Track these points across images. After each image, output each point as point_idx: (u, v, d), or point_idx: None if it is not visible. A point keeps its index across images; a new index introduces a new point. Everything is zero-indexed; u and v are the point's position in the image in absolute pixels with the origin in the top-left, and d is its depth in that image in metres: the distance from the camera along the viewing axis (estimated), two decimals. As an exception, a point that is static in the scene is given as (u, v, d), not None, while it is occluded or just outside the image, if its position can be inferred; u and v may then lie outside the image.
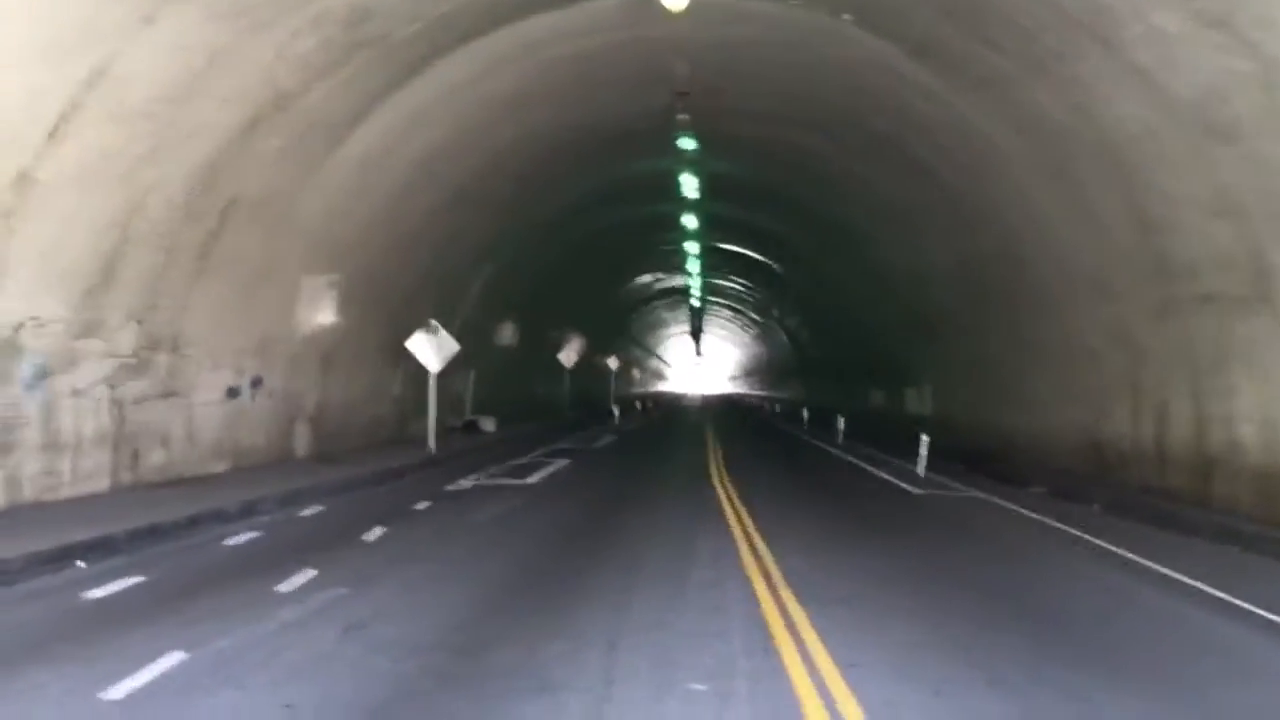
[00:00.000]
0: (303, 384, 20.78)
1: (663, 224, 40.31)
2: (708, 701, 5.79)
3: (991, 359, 24.67)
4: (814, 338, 52.38)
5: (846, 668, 6.53)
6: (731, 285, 60.67)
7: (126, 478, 14.73)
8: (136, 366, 14.79)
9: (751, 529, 12.63)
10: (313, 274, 19.97)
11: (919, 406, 32.38)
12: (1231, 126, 12.17)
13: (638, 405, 58.04)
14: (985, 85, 17.17)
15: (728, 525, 12.89)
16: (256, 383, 18.64)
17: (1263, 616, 8.58)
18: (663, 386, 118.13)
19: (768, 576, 9.54)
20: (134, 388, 14.80)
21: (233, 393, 17.72)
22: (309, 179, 17.90)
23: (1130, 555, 11.77)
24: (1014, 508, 16.26)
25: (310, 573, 9.37)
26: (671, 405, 72.39)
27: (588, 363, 56.24)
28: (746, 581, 9.25)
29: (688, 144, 28.96)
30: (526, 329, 39.70)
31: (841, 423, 33.47)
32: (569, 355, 43.50)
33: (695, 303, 66.74)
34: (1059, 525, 14.28)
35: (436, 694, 5.86)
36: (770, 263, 45.10)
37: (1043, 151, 17.30)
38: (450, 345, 24.21)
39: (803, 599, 8.57)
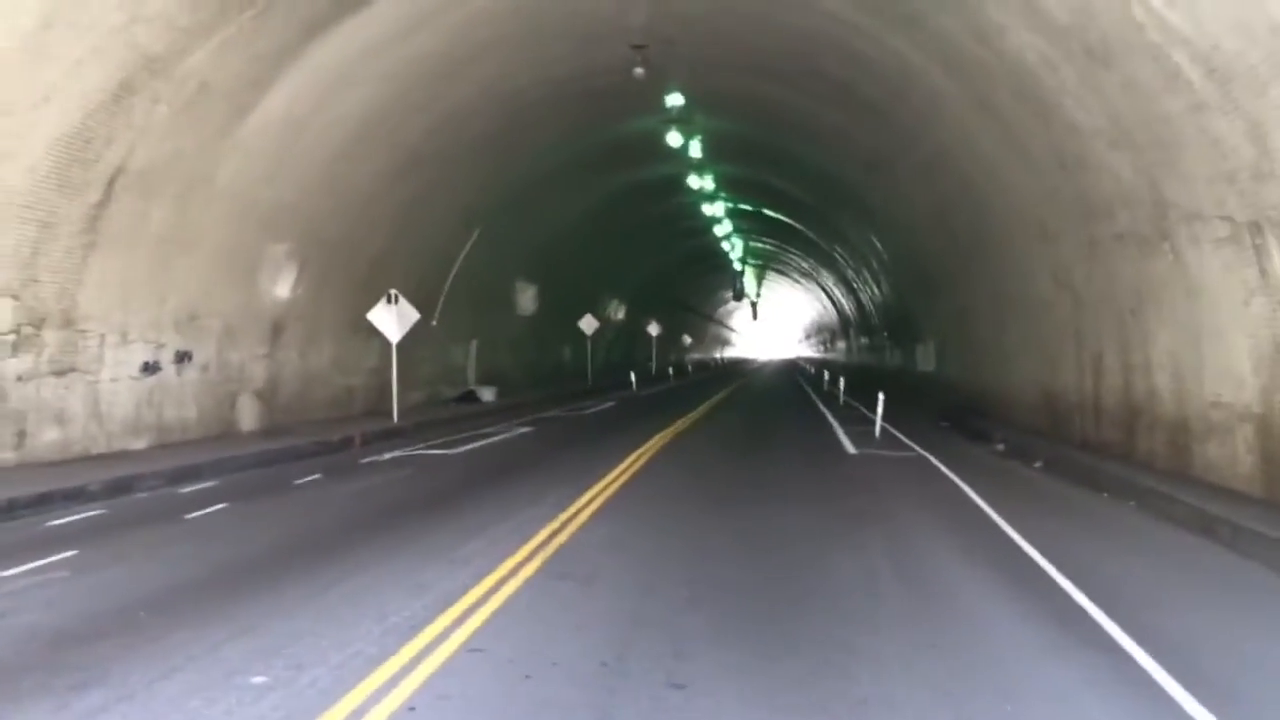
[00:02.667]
0: (244, 356, 20.49)
1: (674, 187, 39.37)
2: (241, 697, 5.18)
3: (973, 311, 23.54)
4: (847, 296, 51.10)
5: (465, 653, 5.92)
6: (768, 247, 59.43)
7: (9, 457, 14.51)
8: (17, 343, 14.55)
9: (602, 500, 11.98)
10: (244, 244, 19.62)
11: (925, 363, 31.26)
12: (1105, 49, 11.06)
13: (669, 371, 57.16)
14: (908, 23, 16.10)
15: (580, 497, 12.15)
16: (183, 357, 18.38)
17: (1063, 599, 7.72)
18: (728, 352, 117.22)
19: (542, 549, 8.91)
20: (15, 365, 14.55)
21: (150, 368, 17.46)
22: (221, 145, 17.47)
23: (1000, 521, 10.87)
24: (943, 469, 15.33)
25: (65, 554, 8.97)
26: (716, 370, 71.41)
27: (629, 329, 55.72)
28: (506, 555, 8.61)
29: (675, 100, 28.15)
30: (548, 296, 39.17)
31: (842, 383, 32.47)
32: (589, 322, 42.84)
33: (737, 266, 65.51)
34: (964, 487, 13.37)
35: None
36: (792, 222, 43.89)
37: (970, 88, 16.19)
38: (410, 315, 23.82)
39: (542, 573, 7.97)
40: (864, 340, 50.02)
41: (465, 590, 7.37)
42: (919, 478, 14.49)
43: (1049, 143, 14.43)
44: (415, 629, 6.38)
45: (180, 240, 17.55)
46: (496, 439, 20.83)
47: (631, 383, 42.43)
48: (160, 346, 17.73)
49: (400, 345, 24.51)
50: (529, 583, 7.70)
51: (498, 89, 23.07)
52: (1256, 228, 9.80)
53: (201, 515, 11.29)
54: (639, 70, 23.40)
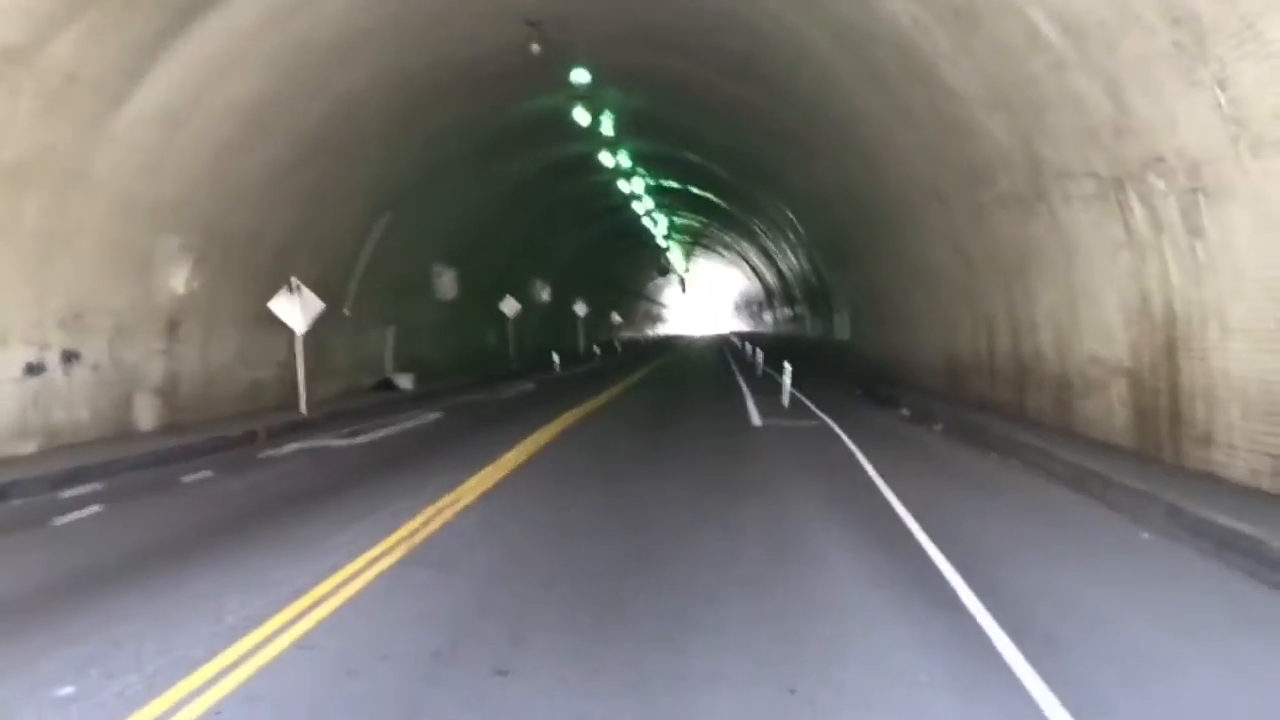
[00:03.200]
0: (140, 354, 19.89)
1: (589, 165, 39.09)
2: (41, 710, 4.96)
3: (881, 279, 23.64)
4: (769, 269, 51.25)
5: (295, 650, 5.77)
6: (691, 223, 59.36)
7: (-121, 468, 13.97)
8: (-120, 350, 13.98)
9: (488, 485, 11.82)
10: (132, 239, 19.02)
11: (842, 333, 31.41)
12: (971, 9, 11.04)
13: (595, 350, 56.87)
14: (796, -12, 16.01)
15: (467, 482, 11.94)
16: (70, 357, 17.79)
17: (922, 560, 7.70)
18: (660, 329, 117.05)
19: (410, 537, 8.75)
20: (-120, 373, 14.00)
21: (34, 369, 16.86)
22: (96, 137, 16.85)
23: (882, 485, 10.87)
24: (842, 437, 15.37)
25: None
26: (645, 347, 71.20)
27: (556, 310, 55.29)
28: (370, 545, 8.41)
29: (580, 77, 27.92)
30: (468, 281, 38.56)
31: (759, 355, 32.55)
32: (510, 305, 42.47)
33: (661, 243, 65.32)
34: (858, 454, 13.38)
35: None
36: (711, 196, 43.84)
37: (857, 57, 16.14)
38: (315, 304, 23.34)
39: (403, 562, 7.85)
40: (787, 312, 50.22)
41: (316, 584, 7.15)
42: (816, 446, 14.50)
43: (931, 108, 14.44)
44: (249, 628, 6.17)
45: (59, 236, 16.96)
46: (403, 427, 20.54)
47: (554, 364, 42.13)
48: (45, 347, 17.13)
49: (313, 335, 24.07)
50: (386, 573, 7.51)
51: (389, 74, 22.65)
52: (1119, 183, 9.84)
53: (71, 520, 10.92)
54: (535, 46, 23.12)
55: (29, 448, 16.66)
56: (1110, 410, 11.07)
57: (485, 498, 10.86)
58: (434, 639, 5.92)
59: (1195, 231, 8.71)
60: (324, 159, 23.71)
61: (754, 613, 6.30)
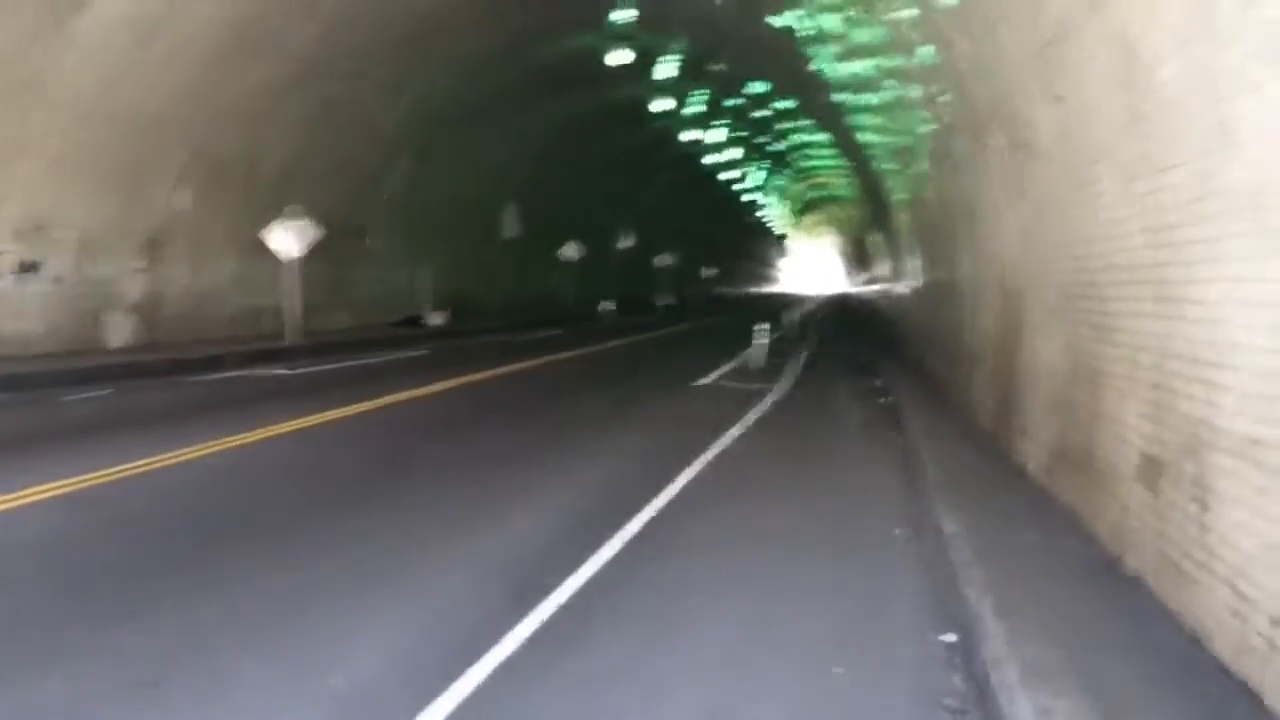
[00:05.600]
0: (115, 270, 19.81)
1: (643, 113, 37.70)
2: None
3: (906, 246, 22.11)
4: (862, 229, 49.38)
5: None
6: (791, 183, 57.45)
7: None
8: None
9: (362, 410, 11.14)
10: (104, 152, 18.73)
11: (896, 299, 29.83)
12: None
13: (658, 304, 55.23)
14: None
15: (348, 408, 11.30)
16: (29, 267, 17.72)
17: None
18: (768, 288, 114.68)
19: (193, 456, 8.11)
20: None
21: (-24, 277, 16.82)
22: (53, 43, 16.42)
23: (701, 454, 9.81)
24: (764, 400, 14.06)
25: None
26: (729, 303, 68.61)
27: (640, 261, 54.03)
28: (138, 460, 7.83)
29: (623, 14, 26.93)
30: (530, 224, 37.72)
31: (797, 315, 31.29)
32: (570, 250, 41.79)
33: (757, 200, 63.11)
34: (746, 419, 12.22)
35: None
36: (780, 148, 42.25)
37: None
38: (309, 232, 22.95)
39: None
40: (871, 274, 48.45)
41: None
42: (722, 404, 13.39)
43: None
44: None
45: (14, 145, 16.75)
46: (376, 360, 20.19)
47: (600, 313, 41.42)
48: (-5, 255, 17.05)
49: (330, 266, 24.06)
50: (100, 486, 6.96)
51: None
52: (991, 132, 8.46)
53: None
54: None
55: (-33, 356, 16.59)
56: (983, 390, 9.73)
57: (304, 432, 10.32)
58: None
59: (1022, 192, 7.35)
60: (323, 84, 23.04)
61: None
